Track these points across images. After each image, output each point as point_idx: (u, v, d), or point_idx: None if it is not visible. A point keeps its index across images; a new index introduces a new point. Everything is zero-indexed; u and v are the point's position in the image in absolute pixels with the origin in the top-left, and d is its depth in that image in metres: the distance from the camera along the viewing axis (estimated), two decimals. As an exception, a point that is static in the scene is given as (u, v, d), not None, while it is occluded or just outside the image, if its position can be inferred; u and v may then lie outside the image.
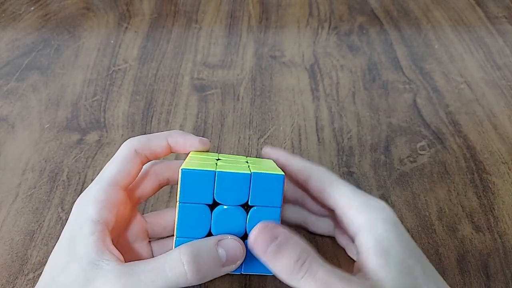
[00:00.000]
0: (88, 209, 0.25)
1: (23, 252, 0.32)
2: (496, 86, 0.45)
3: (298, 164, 0.28)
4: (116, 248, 0.25)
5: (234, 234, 0.25)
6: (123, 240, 0.28)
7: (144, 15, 0.56)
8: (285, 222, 0.32)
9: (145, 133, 0.41)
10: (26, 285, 0.30)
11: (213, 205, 0.24)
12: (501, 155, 0.39)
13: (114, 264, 0.23)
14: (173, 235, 0.25)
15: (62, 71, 0.48)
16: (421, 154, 0.39)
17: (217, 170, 0.23)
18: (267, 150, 0.30)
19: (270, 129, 0.41)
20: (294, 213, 0.32)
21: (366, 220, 0.25)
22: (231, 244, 0.24)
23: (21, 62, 0.49)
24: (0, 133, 0.41)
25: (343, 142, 0.40)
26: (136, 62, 0.49)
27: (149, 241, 0.30)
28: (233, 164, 0.26)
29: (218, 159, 0.27)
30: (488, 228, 0.33)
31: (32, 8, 0.57)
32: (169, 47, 0.51)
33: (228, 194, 0.24)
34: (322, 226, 0.32)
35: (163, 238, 0.31)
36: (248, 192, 0.24)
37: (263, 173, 0.24)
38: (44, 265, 0.31)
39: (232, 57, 0.49)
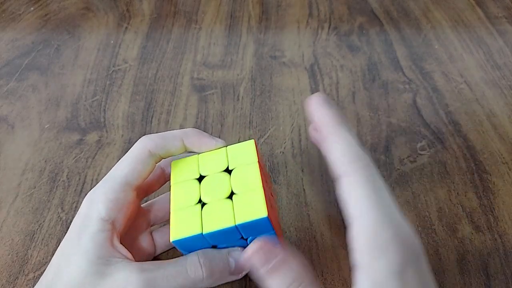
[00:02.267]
0: (98, 207, 0.25)
1: (23, 252, 0.32)
2: (496, 86, 0.45)
3: (336, 154, 0.22)
4: (124, 246, 0.26)
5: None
6: (129, 236, 0.29)
7: (144, 15, 0.56)
8: None
9: (145, 134, 0.41)
10: (26, 285, 0.30)
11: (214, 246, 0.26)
12: (501, 155, 0.39)
13: (128, 261, 0.25)
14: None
15: (62, 71, 0.48)
16: (421, 154, 0.39)
17: (204, 232, 0.24)
18: (313, 109, 0.24)
19: (270, 129, 0.41)
20: None
21: (369, 262, 0.20)
22: (240, 255, 0.26)
23: (21, 62, 0.49)
24: (0, 133, 0.41)
25: (343, 142, 0.40)
26: (136, 62, 0.49)
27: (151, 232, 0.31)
28: (217, 195, 0.25)
29: (200, 178, 0.27)
30: (488, 228, 0.33)
31: (32, 8, 0.57)
32: (169, 47, 0.51)
33: (222, 241, 0.26)
34: None
35: (164, 226, 0.31)
36: (240, 235, 0.25)
37: (246, 222, 0.24)
38: (45, 265, 0.31)
39: (232, 57, 0.49)
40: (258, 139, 0.40)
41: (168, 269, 0.24)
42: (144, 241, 0.30)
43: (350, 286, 0.23)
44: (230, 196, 0.25)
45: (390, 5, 0.57)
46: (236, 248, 0.26)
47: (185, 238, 0.24)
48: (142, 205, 0.30)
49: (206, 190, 0.26)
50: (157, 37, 0.52)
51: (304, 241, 0.32)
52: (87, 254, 0.24)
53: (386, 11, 0.56)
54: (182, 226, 0.25)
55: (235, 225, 0.24)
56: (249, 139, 0.28)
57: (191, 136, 0.28)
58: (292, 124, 0.42)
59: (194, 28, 0.53)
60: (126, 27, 0.54)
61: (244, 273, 0.27)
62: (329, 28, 0.53)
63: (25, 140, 0.41)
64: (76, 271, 0.24)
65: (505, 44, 0.50)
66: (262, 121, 0.42)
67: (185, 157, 0.28)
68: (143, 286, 0.23)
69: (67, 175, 0.37)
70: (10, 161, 0.39)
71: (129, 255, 0.25)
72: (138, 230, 0.29)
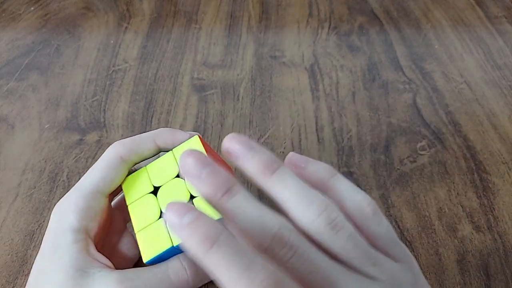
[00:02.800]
0: (69, 217, 0.25)
1: (23, 252, 0.32)
2: (496, 86, 0.45)
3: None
4: (103, 253, 0.25)
5: None
6: (107, 242, 0.28)
7: (144, 15, 0.56)
8: None
9: (145, 133, 0.41)
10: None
11: None
12: (501, 155, 0.39)
13: (108, 271, 0.23)
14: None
15: (62, 71, 0.48)
16: (421, 154, 0.39)
17: (174, 244, 0.24)
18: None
19: (270, 129, 0.41)
20: None
21: None
22: None
23: (21, 62, 0.49)
24: (0, 133, 0.41)
25: (343, 142, 0.40)
26: (136, 62, 0.49)
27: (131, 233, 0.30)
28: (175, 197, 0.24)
29: (156, 189, 0.26)
30: (488, 228, 0.33)
31: (32, 8, 0.57)
32: (169, 47, 0.51)
33: None
34: None
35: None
36: None
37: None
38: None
39: (232, 57, 0.49)
40: (258, 139, 0.40)
41: (150, 277, 0.24)
42: (125, 245, 0.29)
43: None
44: (191, 200, 0.24)
45: (390, 5, 0.57)
46: None
47: (158, 255, 0.24)
48: (111, 204, 0.29)
49: (164, 201, 0.25)
50: (157, 37, 0.52)
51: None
52: (65, 268, 0.23)
53: (386, 11, 0.56)
54: (151, 244, 0.24)
55: None
56: (194, 135, 0.27)
57: (162, 135, 0.27)
58: (292, 124, 0.42)
59: (194, 28, 0.53)
60: (126, 27, 0.54)
61: None
62: (329, 28, 0.53)
63: (25, 140, 0.40)
64: None
65: (505, 44, 0.50)
66: (262, 121, 0.42)
67: (135, 171, 0.27)
68: None
69: (67, 175, 0.37)
70: (10, 161, 0.39)
71: (108, 262, 0.25)
72: (116, 234, 0.28)
